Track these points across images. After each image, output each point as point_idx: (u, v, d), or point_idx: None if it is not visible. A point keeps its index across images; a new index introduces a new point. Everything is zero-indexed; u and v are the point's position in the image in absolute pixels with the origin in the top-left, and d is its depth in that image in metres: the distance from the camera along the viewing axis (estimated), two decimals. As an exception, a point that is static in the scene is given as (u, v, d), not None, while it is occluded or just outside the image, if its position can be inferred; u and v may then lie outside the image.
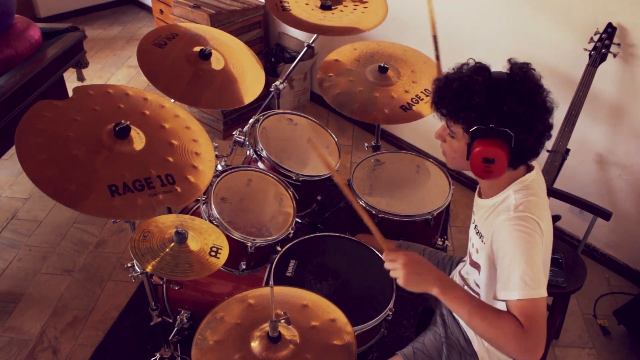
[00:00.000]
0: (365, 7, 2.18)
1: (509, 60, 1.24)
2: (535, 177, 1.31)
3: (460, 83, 1.21)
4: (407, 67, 2.16)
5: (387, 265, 1.29)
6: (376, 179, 2.04)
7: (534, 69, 1.23)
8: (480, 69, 1.22)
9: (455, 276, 1.60)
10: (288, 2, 2.16)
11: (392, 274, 1.27)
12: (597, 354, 2.15)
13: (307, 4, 2.19)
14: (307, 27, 2.11)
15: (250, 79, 1.96)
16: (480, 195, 1.41)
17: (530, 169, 1.32)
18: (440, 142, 1.36)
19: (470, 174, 2.19)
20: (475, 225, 1.40)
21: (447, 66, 1.31)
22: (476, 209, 1.43)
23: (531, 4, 2.29)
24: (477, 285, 1.42)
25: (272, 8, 2.14)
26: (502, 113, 1.18)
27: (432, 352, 1.50)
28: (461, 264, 1.61)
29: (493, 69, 1.25)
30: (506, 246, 1.20)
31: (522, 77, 1.20)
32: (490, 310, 1.16)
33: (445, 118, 1.28)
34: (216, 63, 1.90)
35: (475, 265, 1.41)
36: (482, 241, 1.34)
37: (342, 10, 2.19)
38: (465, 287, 1.50)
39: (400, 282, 1.24)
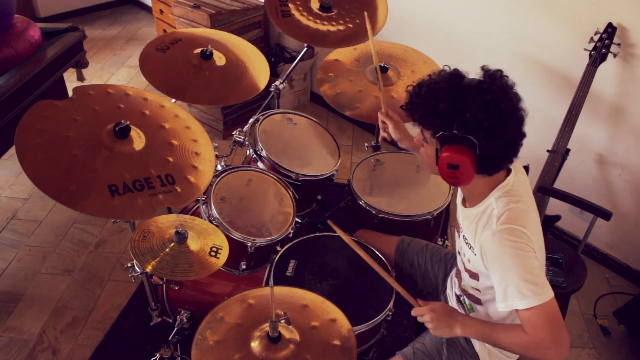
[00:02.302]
0: (357, 21, 2.18)
1: (482, 68, 1.24)
2: (515, 180, 1.31)
3: (427, 89, 1.23)
4: (407, 67, 2.16)
5: (418, 319, 1.38)
6: (376, 179, 2.04)
7: (506, 76, 1.23)
8: (453, 76, 1.23)
9: (452, 279, 1.60)
10: (287, 6, 2.16)
11: (422, 322, 1.37)
12: (597, 354, 2.15)
13: (307, 9, 2.19)
14: (305, 37, 2.10)
15: (257, 67, 2.00)
16: (464, 205, 1.41)
17: (509, 172, 1.32)
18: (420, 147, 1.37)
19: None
20: (464, 236, 1.39)
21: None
22: (462, 219, 1.42)
23: (531, 4, 2.29)
24: (477, 289, 1.42)
25: (271, 14, 2.13)
26: (464, 120, 1.18)
27: (432, 352, 1.50)
28: (455, 269, 1.60)
29: (493, 68, 1.24)
30: (495, 262, 1.23)
31: (489, 84, 1.20)
32: (502, 331, 1.26)
33: (417, 124, 1.30)
34: (219, 60, 1.92)
35: (470, 273, 1.41)
36: (473, 252, 1.34)
37: (342, 13, 2.18)
38: (463, 295, 1.50)
39: (431, 331, 1.35)
